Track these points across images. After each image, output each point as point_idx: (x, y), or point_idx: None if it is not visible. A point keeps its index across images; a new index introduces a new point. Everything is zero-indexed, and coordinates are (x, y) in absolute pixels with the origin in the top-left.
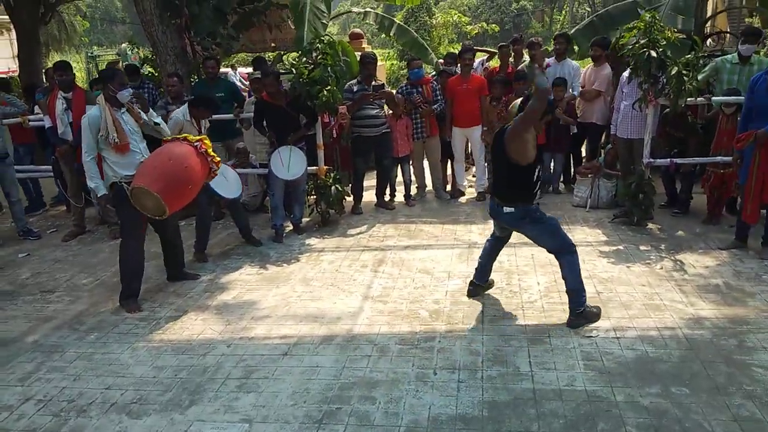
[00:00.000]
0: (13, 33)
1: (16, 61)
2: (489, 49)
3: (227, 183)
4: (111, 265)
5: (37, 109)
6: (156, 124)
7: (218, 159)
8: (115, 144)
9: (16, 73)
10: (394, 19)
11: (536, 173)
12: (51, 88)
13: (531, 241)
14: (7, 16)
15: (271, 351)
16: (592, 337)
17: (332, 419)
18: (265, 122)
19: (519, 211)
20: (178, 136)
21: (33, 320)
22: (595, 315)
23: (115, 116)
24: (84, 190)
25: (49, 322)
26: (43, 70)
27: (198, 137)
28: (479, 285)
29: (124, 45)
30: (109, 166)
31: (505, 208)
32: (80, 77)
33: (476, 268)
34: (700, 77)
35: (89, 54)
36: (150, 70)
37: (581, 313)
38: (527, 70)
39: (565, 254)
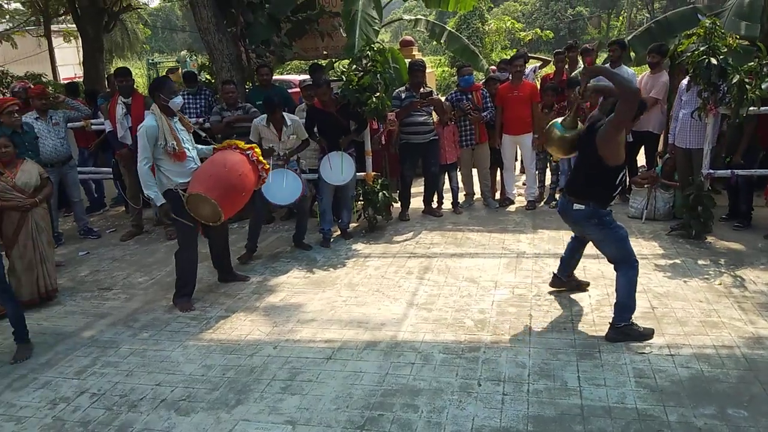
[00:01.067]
0: (80, 40)
1: (82, 67)
2: (542, 57)
3: (282, 189)
4: (166, 265)
5: (99, 113)
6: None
7: (268, 166)
8: (173, 152)
9: (81, 79)
10: (446, 26)
11: (620, 176)
12: (112, 94)
13: (582, 254)
14: (74, 25)
15: (315, 354)
16: (644, 353)
17: (374, 425)
18: (316, 128)
19: (589, 211)
20: (231, 143)
21: (90, 316)
22: (641, 335)
23: (171, 125)
24: (142, 193)
25: (105, 319)
26: (106, 76)
27: (249, 145)
28: (558, 277)
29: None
30: (163, 173)
31: (575, 204)
32: (141, 83)
33: (560, 261)
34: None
35: (150, 61)
36: (207, 77)
37: (621, 329)
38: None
39: (626, 267)
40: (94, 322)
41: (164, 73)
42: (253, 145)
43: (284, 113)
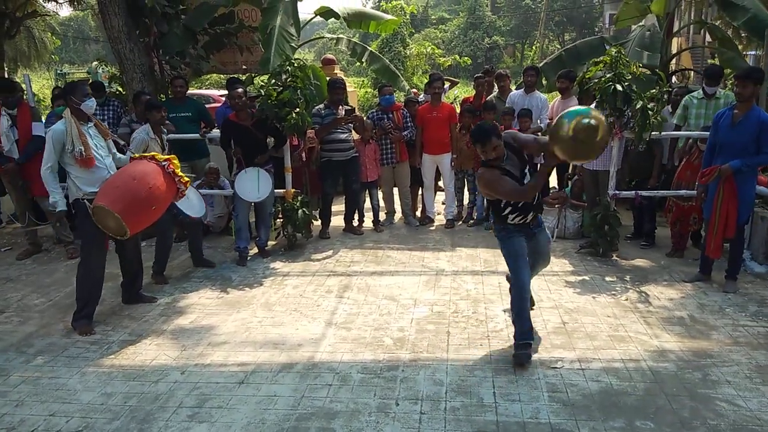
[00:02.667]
0: None
1: None
2: (451, 78)
3: (190, 202)
4: (65, 285)
5: None
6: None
7: (187, 179)
8: (81, 157)
9: None
10: (367, 47)
11: (507, 208)
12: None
13: (497, 270)
14: None
15: (227, 379)
16: (557, 368)
17: None
18: (232, 143)
19: (495, 228)
20: (145, 155)
21: None
22: (521, 358)
23: (81, 129)
24: (32, 210)
25: None
26: None
27: (166, 156)
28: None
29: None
30: (72, 181)
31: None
32: (47, 95)
33: None
34: (675, 120)
35: (58, 71)
36: (119, 88)
37: (517, 344)
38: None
39: (513, 284)
40: None
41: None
42: (171, 156)
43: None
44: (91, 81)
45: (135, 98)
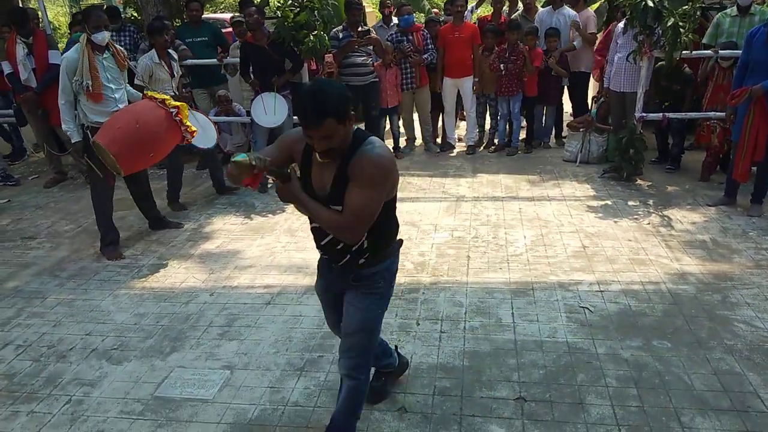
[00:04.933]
0: None
1: None
2: None
3: (202, 133)
4: (93, 212)
5: None
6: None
7: (193, 129)
8: (88, 91)
9: None
10: None
11: None
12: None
13: (518, 196)
14: None
15: (254, 300)
16: (575, 290)
17: (313, 367)
18: (250, 68)
19: None
20: (156, 96)
21: (13, 266)
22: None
23: (93, 61)
24: (53, 140)
25: (30, 269)
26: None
27: (176, 103)
28: None
29: None
30: (80, 108)
31: None
32: (63, 22)
33: None
34: (704, 39)
35: None
36: (134, 13)
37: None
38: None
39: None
40: (17, 272)
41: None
42: (181, 104)
43: (168, 50)
44: (106, 6)
45: (150, 28)
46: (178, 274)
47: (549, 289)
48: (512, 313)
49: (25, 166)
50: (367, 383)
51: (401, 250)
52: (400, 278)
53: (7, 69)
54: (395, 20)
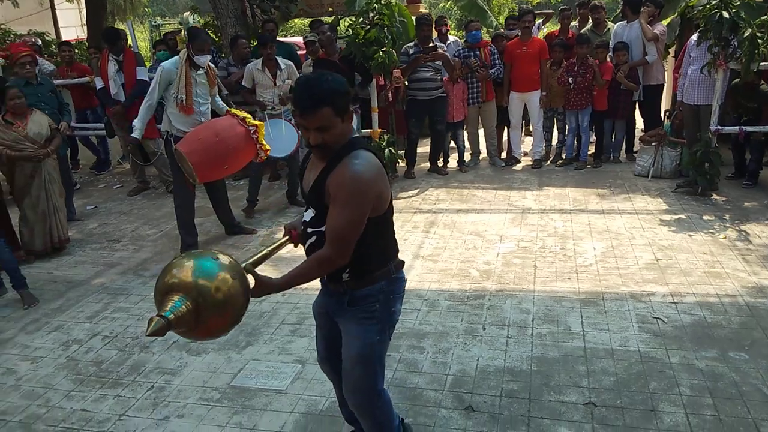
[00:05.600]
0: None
1: (84, 29)
2: (545, 11)
3: (281, 139)
4: (173, 218)
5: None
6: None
7: (268, 148)
8: (181, 104)
9: (84, 39)
10: None
11: None
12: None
13: (587, 209)
14: None
15: None
16: (647, 301)
17: None
18: None
19: None
20: (238, 114)
21: (100, 266)
22: None
23: (190, 77)
24: (135, 152)
25: (115, 268)
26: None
27: (256, 122)
28: None
29: (186, 14)
30: (167, 116)
31: None
32: (144, 47)
33: None
34: None
35: (152, 23)
36: (211, 34)
37: None
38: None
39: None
40: (104, 271)
41: (163, 35)
42: (259, 123)
43: (277, 58)
44: (188, 27)
45: (232, 42)
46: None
47: (620, 300)
48: (581, 322)
49: (110, 176)
50: (387, 411)
51: (465, 259)
52: (465, 285)
53: (99, 84)
54: (451, 38)
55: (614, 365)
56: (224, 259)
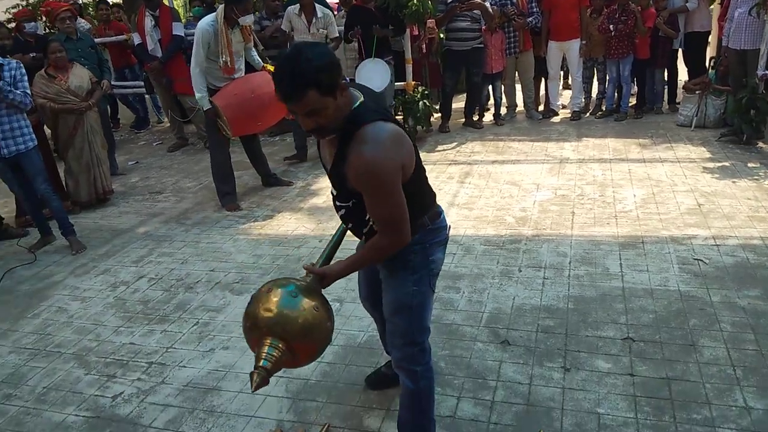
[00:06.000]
0: None
1: None
2: None
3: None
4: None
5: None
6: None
7: None
8: (224, 66)
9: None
10: None
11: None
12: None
13: (627, 158)
14: None
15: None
16: (688, 244)
17: None
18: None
19: None
20: (272, 70)
21: (144, 215)
22: None
23: (229, 36)
24: (172, 107)
25: (158, 217)
26: None
27: None
28: None
29: None
30: (204, 73)
31: None
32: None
33: None
34: None
35: None
36: None
37: None
38: None
39: None
40: (147, 220)
41: None
42: None
43: (316, 4)
44: None
45: None
46: (290, 224)
47: (660, 243)
48: (620, 264)
49: (150, 134)
50: (429, 379)
51: (501, 207)
52: (501, 231)
53: (137, 40)
54: None
55: (653, 303)
56: (304, 288)
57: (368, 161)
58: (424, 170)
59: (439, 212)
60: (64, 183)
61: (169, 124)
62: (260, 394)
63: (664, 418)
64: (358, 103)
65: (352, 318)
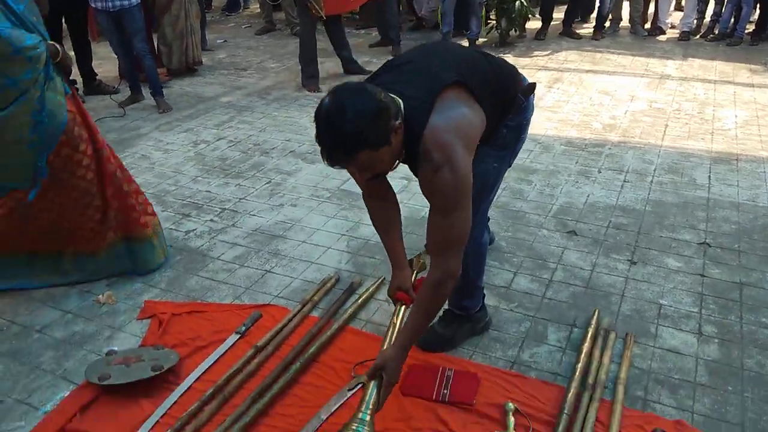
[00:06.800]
0: None
1: None
2: None
3: None
4: (296, 56)
5: None
6: None
7: None
8: None
9: None
10: None
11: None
12: None
13: (734, 80)
14: None
15: None
16: None
17: None
18: None
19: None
20: None
21: (228, 87)
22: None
23: None
24: None
25: (241, 90)
26: None
27: None
28: None
29: None
30: None
31: None
32: None
33: None
34: None
35: None
36: None
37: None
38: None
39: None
40: (231, 91)
41: None
42: None
43: None
44: None
45: None
46: None
47: (756, 162)
48: (709, 177)
49: (239, 17)
50: (480, 245)
51: (589, 113)
52: (585, 134)
53: None
54: None
55: (738, 215)
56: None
57: (453, 179)
58: (500, 68)
59: (532, 87)
60: (156, 50)
61: (258, 9)
62: (322, 246)
63: (729, 317)
64: (401, 102)
65: (418, 195)
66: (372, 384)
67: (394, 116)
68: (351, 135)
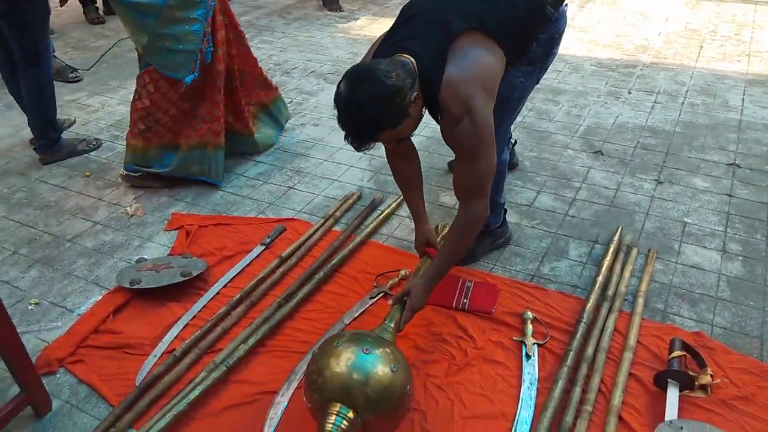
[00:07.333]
0: None
1: None
2: None
3: None
4: None
5: None
6: None
7: None
8: None
9: None
10: None
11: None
12: None
13: None
14: None
15: None
16: None
17: None
18: None
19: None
20: None
21: (247, 6)
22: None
23: None
24: None
25: (261, 9)
26: None
27: None
28: None
29: None
30: None
31: None
32: None
33: None
34: None
35: None
36: None
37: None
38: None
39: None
40: (251, 11)
41: None
42: None
43: None
44: None
45: None
46: (388, 22)
47: None
48: (742, 99)
49: None
50: (500, 163)
51: (622, 33)
52: (616, 55)
53: None
54: None
55: None
56: (379, 350)
57: (475, 131)
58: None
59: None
60: None
61: None
62: (344, 164)
63: (755, 236)
64: (410, 61)
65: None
66: (396, 308)
67: (410, 89)
68: (368, 122)
